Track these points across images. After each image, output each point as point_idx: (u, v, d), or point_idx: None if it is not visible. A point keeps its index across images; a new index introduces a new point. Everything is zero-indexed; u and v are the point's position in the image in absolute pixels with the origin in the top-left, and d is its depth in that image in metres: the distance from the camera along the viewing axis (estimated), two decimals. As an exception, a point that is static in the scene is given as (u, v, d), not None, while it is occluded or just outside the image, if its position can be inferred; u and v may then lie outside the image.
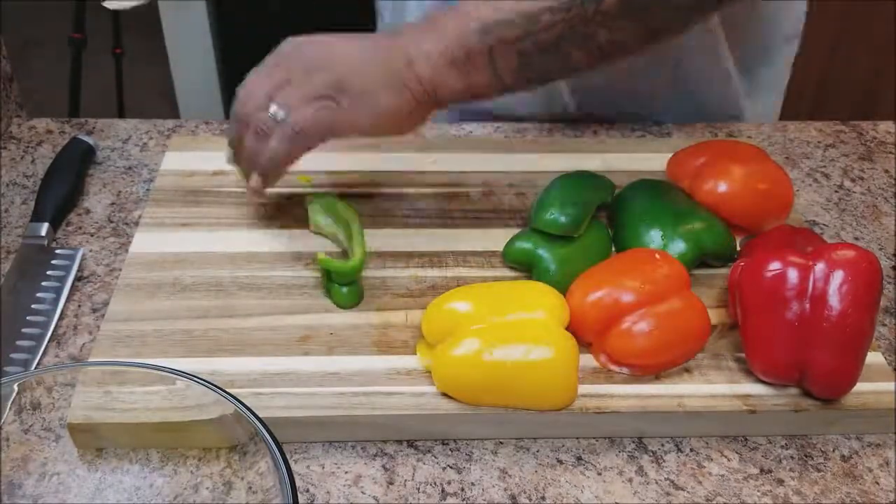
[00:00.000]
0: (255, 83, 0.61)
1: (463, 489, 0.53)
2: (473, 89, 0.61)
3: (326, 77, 0.59)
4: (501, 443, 0.56)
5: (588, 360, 0.59)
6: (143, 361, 0.51)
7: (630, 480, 0.54)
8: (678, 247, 0.64)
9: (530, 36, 0.59)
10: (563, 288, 0.59)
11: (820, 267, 0.54)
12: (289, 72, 0.60)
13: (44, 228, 0.70)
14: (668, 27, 0.64)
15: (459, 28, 0.59)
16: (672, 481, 0.54)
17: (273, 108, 0.59)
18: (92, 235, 0.72)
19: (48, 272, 0.66)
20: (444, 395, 0.55)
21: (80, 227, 0.72)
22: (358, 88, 0.59)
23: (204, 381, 0.46)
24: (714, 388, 0.57)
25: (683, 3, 0.62)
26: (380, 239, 0.68)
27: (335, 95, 0.59)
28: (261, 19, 2.03)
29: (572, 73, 0.65)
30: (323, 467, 0.54)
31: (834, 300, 0.54)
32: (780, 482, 0.55)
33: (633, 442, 0.57)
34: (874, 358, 0.59)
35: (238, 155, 0.64)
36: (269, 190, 0.65)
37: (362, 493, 0.53)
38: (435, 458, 0.55)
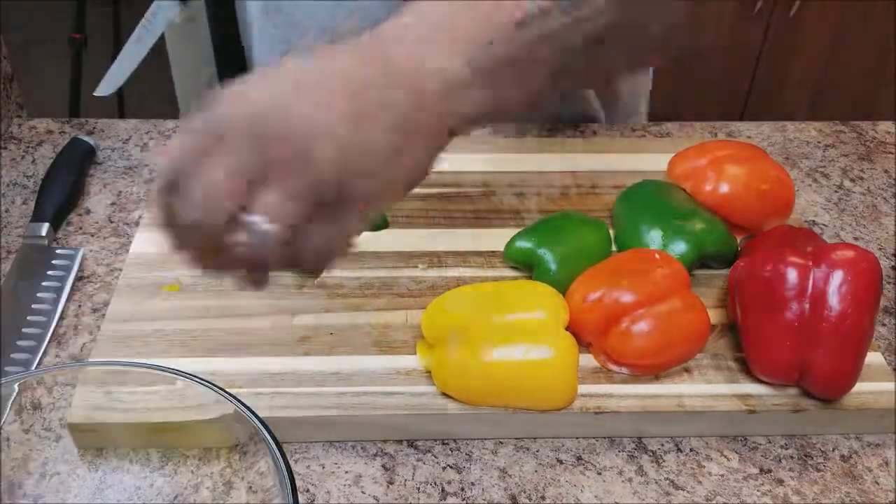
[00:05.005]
0: (212, 168, 0.40)
1: (463, 489, 0.53)
2: (498, 109, 0.46)
3: (319, 175, 0.40)
4: (501, 443, 0.56)
5: (588, 360, 0.59)
6: (143, 361, 0.51)
7: (630, 480, 0.54)
8: (678, 247, 0.64)
9: (578, 24, 0.45)
10: (563, 288, 0.59)
11: (820, 267, 0.55)
12: (258, 158, 0.40)
13: (44, 228, 0.70)
14: None
15: (483, 28, 0.43)
16: (672, 481, 0.54)
17: (256, 219, 0.40)
18: (92, 235, 0.72)
19: (48, 272, 0.66)
20: (444, 395, 0.55)
21: (81, 227, 0.73)
22: (364, 175, 0.41)
23: (204, 381, 0.46)
24: (714, 388, 0.57)
25: None
26: (380, 239, 0.68)
27: (338, 202, 0.41)
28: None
29: (609, 79, 0.54)
30: (323, 467, 0.54)
31: (833, 300, 0.54)
32: (780, 482, 0.55)
33: (633, 442, 0.57)
34: (874, 358, 0.59)
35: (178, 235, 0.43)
36: None
37: (362, 492, 0.53)
38: (435, 457, 0.55)
